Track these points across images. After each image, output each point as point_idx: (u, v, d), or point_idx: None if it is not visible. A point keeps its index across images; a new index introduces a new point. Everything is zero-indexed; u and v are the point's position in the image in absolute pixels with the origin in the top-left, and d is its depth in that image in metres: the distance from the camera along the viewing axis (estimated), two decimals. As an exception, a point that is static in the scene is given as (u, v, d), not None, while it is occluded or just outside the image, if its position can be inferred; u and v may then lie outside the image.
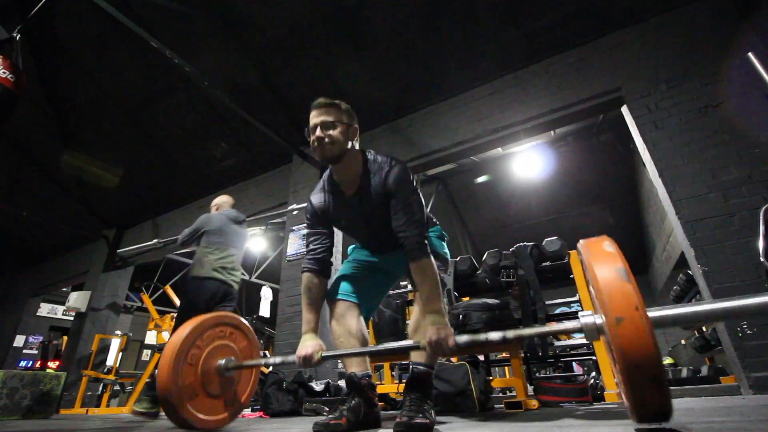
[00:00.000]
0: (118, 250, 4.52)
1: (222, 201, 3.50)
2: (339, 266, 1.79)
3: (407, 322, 2.74)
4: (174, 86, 4.77)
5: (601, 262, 0.99)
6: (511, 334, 1.21)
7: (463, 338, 1.25)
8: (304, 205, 1.93)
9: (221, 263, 3.00)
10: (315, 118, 1.44)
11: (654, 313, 0.96)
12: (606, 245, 1.04)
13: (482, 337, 1.23)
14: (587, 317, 1.07)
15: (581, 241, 1.13)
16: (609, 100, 3.41)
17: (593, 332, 1.05)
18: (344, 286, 1.63)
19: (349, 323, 1.56)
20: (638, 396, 0.88)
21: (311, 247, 1.58)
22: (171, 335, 2.74)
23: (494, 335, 1.21)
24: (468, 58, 4.01)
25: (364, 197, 1.48)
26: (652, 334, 0.85)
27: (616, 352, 0.88)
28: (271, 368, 4.32)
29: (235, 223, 3.27)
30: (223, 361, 1.62)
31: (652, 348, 0.84)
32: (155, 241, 3.63)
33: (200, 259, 3.00)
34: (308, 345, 1.45)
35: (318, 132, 1.41)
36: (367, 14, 3.89)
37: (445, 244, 1.77)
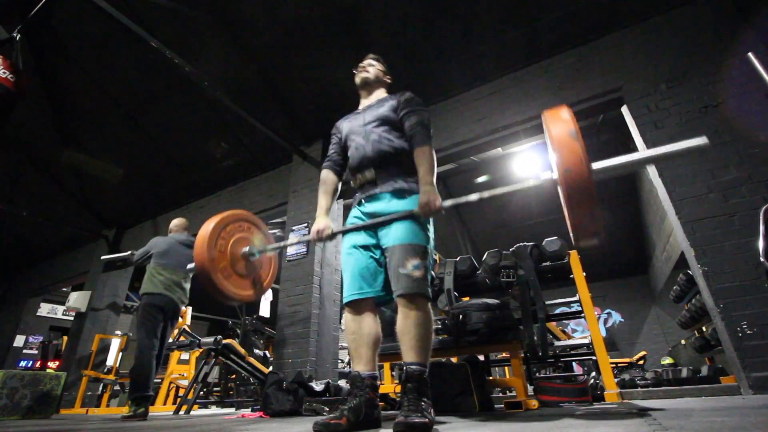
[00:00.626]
0: (102, 257, 4.65)
1: (175, 225, 3.95)
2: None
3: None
4: (174, 86, 4.77)
5: (557, 125, 1.25)
6: (486, 194, 1.54)
7: (447, 202, 1.55)
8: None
9: (169, 282, 3.42)
10: (364, 60, 2.09)
11: (595, 165, 1.25)
12: (563, 112, 1.29)
13: (463, 199, 1.56)
14: (545, 174, 1.38)
15: (545, 112, 1.38)
16: (609, 100, 3.41)
17: (550, 183, 1.35)
18: (351, 285, 1.65)
19: (363, 321, 1.61)
20: (579, 223, 1.24)
21: (330, 152, 1.98)
22: (139, 334, 3.25)
23: (473, 196, 1.55)
24: (468, 58, 4.01)
25: (379, 106, 1.89)
26: (591, 178, 1.16)
27: (564, 193, 1.20)
28: (271, 368, 4.32)
29: (184, 245, 3.66)
30: (247, 248, 1.96)
31: (591, 189, 1.16)
32: (129, 252, 3.85)
33: (150, 278, 3.42)
34: (320, 222, 1.76)
35: (363, 62, 2.06)
36: (367, 14, 3.89)
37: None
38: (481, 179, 7.20)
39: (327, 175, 1.93)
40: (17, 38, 3.10)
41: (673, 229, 3.12)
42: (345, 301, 1.67)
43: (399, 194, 1.71)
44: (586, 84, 3.48)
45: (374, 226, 1.68)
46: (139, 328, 3.31)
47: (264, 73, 4.52)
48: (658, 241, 7.41)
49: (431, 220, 1.74)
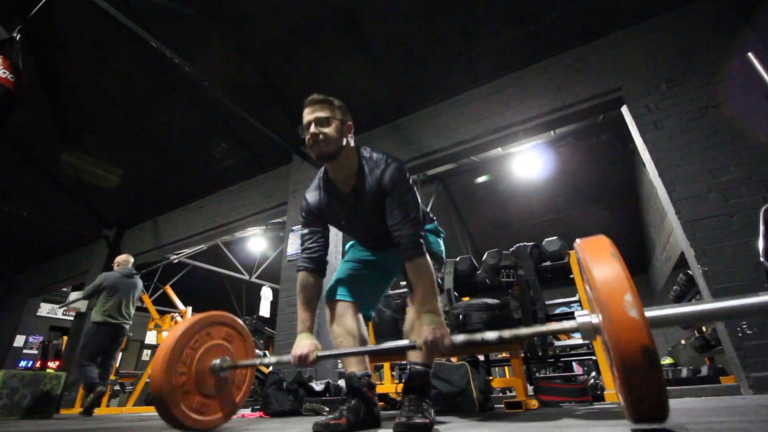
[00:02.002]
0: (68, 290, 4.94)
1: (120, 260, 4.52)
2: (338, 265, 1.79)
3: (405, 321, 2.74)
4: (174, 86, 4.77)
5: (598, 261, 0.97)
6: (507, 333, 1.21)
7: (460, 338, 1.25)
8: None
9: (114, 310, 4.08)
10: (308, 114, 1.44)
11: (651, 313, 0.94)
12: (604, 244, 1.03)
13: (478, 336, 1.23)
14: (584, 317, 1.06)
15: (578, 240, 1.12)
16: (609, 100, 3.41)
17: (589, 332, 1.05)
18: (342, 287, 1.63)
19: (347, 323, 1.57)
20: (635, 397, 0.87)
21: (306, 245, 1.56)
22: (81, 354, 3.85)
23: (490, 335, 1.21)
24: (468, 58, 4.01)
25: (360, 195, 1.46)
26: (649, 334, 0.83)
27: (614, 352, 0.86)
28: (271, 368, 4.32)
29: (127, 277, 4.32)
30: (218, 361, 1.60)
31: (649, 349, 0.82)
32: (78, 294, 4.40)
33: (100, 308, 4.05)
34: (304, 345, 1.42)
35: (312, 128, 1.40)
36: (367, 14, 3.89)
37: (441, 241, 1.76)
38: (481, 179, 7.21)
39: (306, 280, 1.53)
40: (17, 38, 3.10)
41: (673, 229, 3.12)
42: (331, 296, 1.63)
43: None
44: (586, 84, 3.48)
45: (375, 353, 1.64)
46: (82, 349, 3.99)
47: (264, 73, 4.52)
48: (658, 241, 7.41)
49: (441, 241, 1.72)
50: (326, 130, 1.40)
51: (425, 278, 1.35)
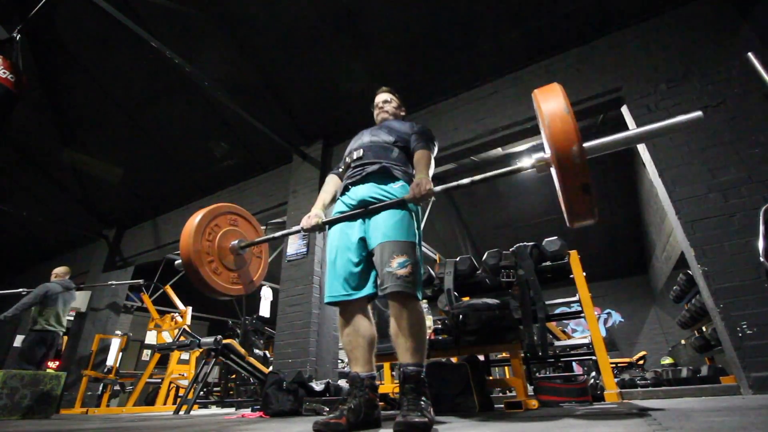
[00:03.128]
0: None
1: (60, 272, 4.87)
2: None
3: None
4: (174, 86, 4.77)
5: (549, 102, 1.24)
6: (478, 177, 1.53)
7: (438, 187, 1.55)
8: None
9: (53, 319, 4.47)
10: (379, 96, 2.18)
11: (588, 143, 1.23)
12: (554, 89, 1.29)
13: (454, 183, 1.55)
14: (538, 155, 1.37)
15: (536, 90, 1.37)
16: (609, 100, 3.41)
17: (543, 165, 1.34)
18: (338, 285, 1.62)
19: (357, 323, 1.59)
20: (572, 203, 1.22)
21: (339, 165, 2.00)
22: (21, 360, 4.16)
23: (465, 180, 1.53)
24: (468, 58, 4.01)
25: (386, 121, 2.05)
26: (584, 155, 1.15)
27: (558, 174, 1.17)
28: (271, 368, 4.32)
29: (67, 289, 4.71)
30: (236, 242, 1.94)
31: (584, 167, 1.14)
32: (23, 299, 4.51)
33: (39, 317, 4.42)
34: (312, 211, 1.78)
35: (380, 103, 2.15)
36: (367, 14, 3.89)
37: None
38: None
39: (330, 178, 1.97)
40: (17, 38, 3.10)
41: (673, 229, 3.13)
42: (328, 300, 1.63)
43: (385, 176, 1.73)
44: (586, 84, 3.48)
45: (362, 214, 1.66)
46: (21, 354, 4.34)
47: (264, 73, 4.52)
48: (658, 241, 7.41)
49: (419, 213, 1.74)
50: (387, 104, 2.15)
51: (427, 160, 1.73)
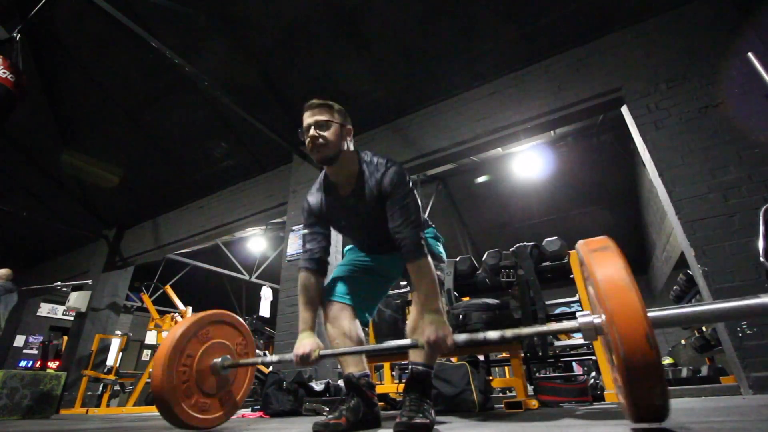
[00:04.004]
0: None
1: (2, 273, 5.00)
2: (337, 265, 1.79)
3: (407, 322, 2.74)
4: (174, 86, 4.77)
5: (601, 262, 0.97)
6: (509, 333, 1.21)
7: (462, 337, 1.25)
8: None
9: None
10: (308, 118, 1.45)
11: (653, 313, 0.94)
12: (607, 245, 1.03)
13: (481, 336, 1.24)
14: (585, 317, 1.06)
15: (580, 241, 1.12)
16: (609, 100, 3.41)
17: (591, 332, 1.05)
18: (338, 288, 1.61)
19: (342, 325, 1.55)
20: (636, 397, 0.87)
21: (308, 246, 1.58)
22: None
23: (493, 334, 1.22)
24: (468, 58, 4.01)
25: (360, 198, 1.48)
26: (651, 335, 0.83)
27: (617, 353, 0.86)
28: (271, 368, 4.32)
29: (9, 291, 4.86)
30: (219, 360, 1.62)
31: (650, 349, 0.82)
32: None
33: None
34: (306, 343, 1.44)
35: (311, 131, 1.42)
36: (367, 14, 3.89)
37: (440, 245, 1.77)
38: (481, 179, 7.21)
39: (307, 280, 1.55)
40: (17, 38, 3.10)
41: (673, 229, 3.12)
42: (327, 298, 1.59)
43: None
44: (586, 84, 3.48)
45: (376, 351, 1.62)
46: None
47: (264, 73, 4.52)
48: (658, 241, 7.41)
49: (441, 246, 1.72)
50: (325, 133, 1.42)
51: (427, 279, 1.35)
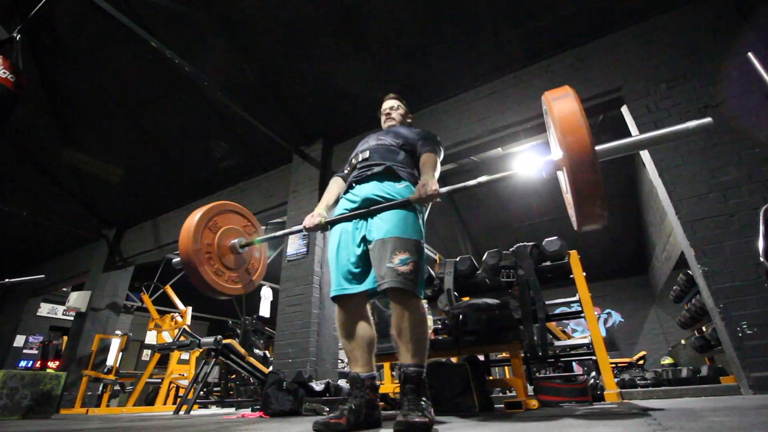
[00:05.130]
0: None
1: None
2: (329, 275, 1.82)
3: (391, 328, 2.74)
4: (174, 86, 4.77)
5: (561, 109, 1.21)
6: (484, 179, 1.55)
7: (444, 189, 1.57)
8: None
9: None
10: (386, 102, 2.19)
11: (600, 146, 1.23)
12: (566, 91, 1.26)
13: (460, 185, 1.58)
14: (547, 158, 1.35)
15: (546, 92, 1.33)
16: (609, 100, 3.41)
17: (551, 167, 1.32)
18: (338, 280, 1.64)
19: (356, 323, 1.60)
20: (583, 207, 1.19)
21: (344, 167, 2.03)
22: None
23: (472, 182, 1.56)
24: (468, 58, 4.01)
25: (392, 128, 2.04)
26: (597, 161, 1.14)
27: (569, 178, 1.16)
28: (271, 368, 4.32)
29: None
30: (236, 240, 1.94)
31: (595, 172, 1.13)
32: None
33: None
34: (315, 211, 1.79)
35: (387, 110, 2.14)
36: (367, 14, 3.89)
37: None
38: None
39: (334, 180, 2.00)
40: (17, 38, 3.10)
41: (673, 229, 3.12)
42: (333, 294, 1.64)
43: (390, 177, 1.73)
44: (586, 84, 3.48)
45: (366, 214, 1.65)
46: None
47: (264, 73, 4.52)
48: (658, 241, 7.41)
49: (425, 214, 1.75)
50: (394, 112, 2.15)
51: (433, 162, 1.78)
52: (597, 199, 1.15)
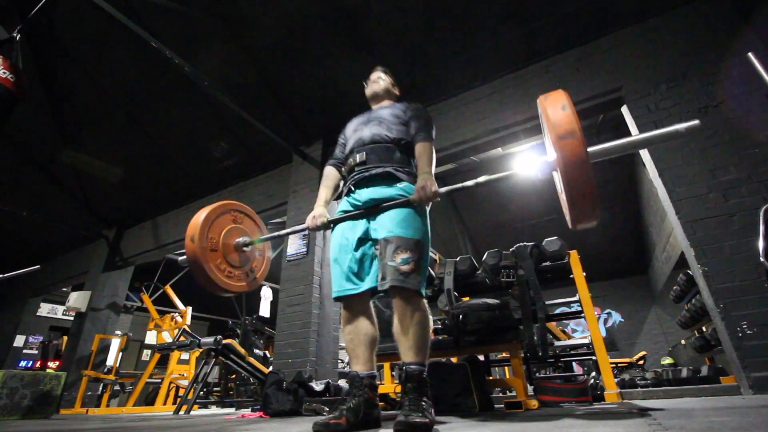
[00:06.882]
0: None
1: None
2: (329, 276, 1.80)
3: (393, 326, 2.74)
4: (174, 86, 4.77)
5: (554, 113, 1.26)
6: (482, 179, 1.57)
7: (443, 189, 1.58)
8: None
9: None
10: (374, 73, 2.17)
11: (592, 148, 1.28)
12: (560, 95, 1.31)
13: (458, 185, 1.59)
14: (544, 159, 1.40)
15: (541, 96, 1.38)
16: (609, 100, 3.41)
17: (547, 168, 1.38)
18: (341, 280, 1.64)
19: (359, 321, 1.61)
20: (577, 207, 1.24)
21: (335, 153, 2.03)
22: None
23: (470, 182, 1.57)
24: (468, 58, 4.01)
25: (384, 107, 2.00)
26: (589, 163, 1.19)
27: (563, 179, 1.20)
28: (271, 368, 4.32)
29: None
30: (240, 239, 1.98)
31: (587, 174, 1.18)
32: None
33: None
34: (316, 210, 1.80)
35: (372, 77, 2.14)
36: (367, 14, 3.89)
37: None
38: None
39: (330, 171, 1.97)
40: (17, 38, 3.10)
41: (673, 229, 3.12)
42: (335, 295, 1.65)
43: (389, 180, 1.72)
44: (586, 84, 3.48)
45: (367, 213, 1.67)
46: None
47: (264, 73, 4.52)
48: (658, 241, 7.41)
49: (427, 212, 1.74)
50: (380, 80, 2.13)
51: (429, 154, 1.72)
52: (590, 198, 1.21)
